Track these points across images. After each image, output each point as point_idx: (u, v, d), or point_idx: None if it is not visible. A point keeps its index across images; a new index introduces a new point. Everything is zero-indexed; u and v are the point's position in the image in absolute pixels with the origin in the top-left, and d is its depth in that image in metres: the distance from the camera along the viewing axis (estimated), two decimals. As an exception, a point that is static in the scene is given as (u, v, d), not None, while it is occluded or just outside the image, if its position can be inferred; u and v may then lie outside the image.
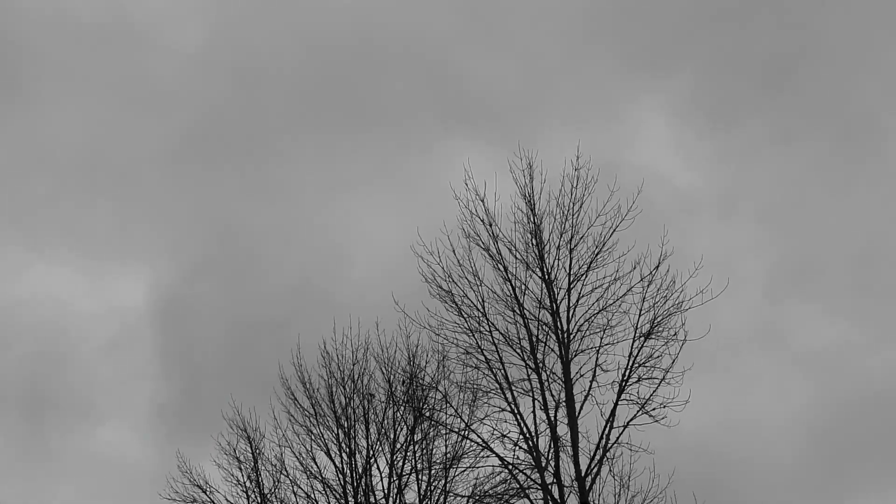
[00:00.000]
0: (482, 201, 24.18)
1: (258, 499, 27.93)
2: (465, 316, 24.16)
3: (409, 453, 27.00)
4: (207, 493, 28.20)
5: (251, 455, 28.23)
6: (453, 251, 23.93)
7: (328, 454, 27.73)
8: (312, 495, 27.71)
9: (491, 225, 24.14)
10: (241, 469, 28.24)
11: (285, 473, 28.11)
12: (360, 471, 27.35)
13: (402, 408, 27.10)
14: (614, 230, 23.49)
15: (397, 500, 26.85)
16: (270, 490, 28.05)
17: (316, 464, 27.69)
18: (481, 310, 23.82)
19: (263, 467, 28.16)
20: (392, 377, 27.42)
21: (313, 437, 27.93)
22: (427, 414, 26.18)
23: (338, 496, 27.42)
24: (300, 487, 27.93)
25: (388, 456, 27.15)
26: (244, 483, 28.14)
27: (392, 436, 27.22)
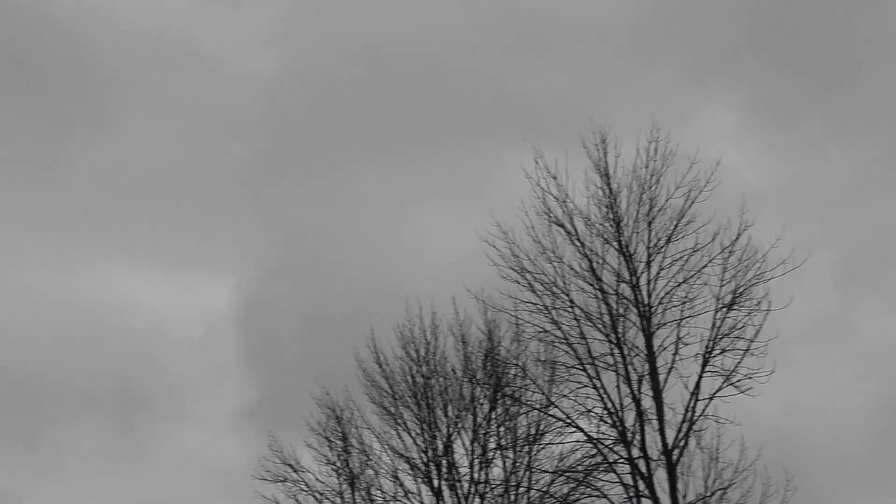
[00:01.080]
0: (554, 178, 23.99)
1: (349, 478, 28.19)
2: (541, 294, 24.05)
3: (490, 430, 27.06)
4: (298, 472, 28.57)
5: (341, 434, 28.49)
6: (532, 228, 23.78)
7: (410, 434, 27.88)
8: (397, 474, 27.93)
9: (565, 201, 23.96)
10: (330, 448, 28.53)
11: (367, 454, 28.33)
12: (442, 449, 27.47)
13: (481, 384, 27.14)
14: (693, 202, 23.25)
15: (481, 477, 26.93)
16: (358, 470, 28.31)
17: (403, 442, 27.89)
18: (561, 287, 23.69)
19: (352, 447, 28.46)
20: (467, 354, 27.49)
21: (393, 418, 28.14)
22: (508, 391, 26.16)
23: (422, 474, 27.58)
24: (383, 468, 28.15)
25: (470, 433, 27.22)
26: (335, 462, 28.41)
27: (473, 412, 27.28)
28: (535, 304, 24.04)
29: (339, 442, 28.49)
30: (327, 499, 28.52)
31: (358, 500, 28.23)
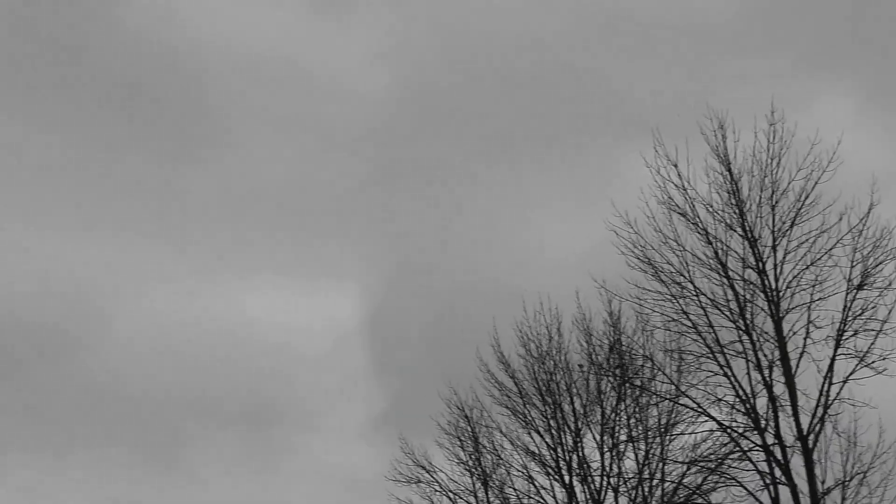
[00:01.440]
0: (675, 166, 23.87)
1: (482, 477, 28.37)
2: (668, 282, 23.93)
3: (619, 422, 26.95)
4: (431, 472, 28.87)
5: (471, 434, 28.69)
6: (653, 218, 23.72)
7: (538, 432, 27.91)
8: (528, 472, 28.00)
9: (686, 189, 23.83)
10: (462, 448, 28.77)
11: (498, 453, 28.46)
12: (571, 444, 27.44)
13: (607, 376, 27.06)
14: (816, 183, 22.91)
15: (612, 470, 26.83)
16: (490, 469, 28.49)
17: (533, 440, 27.95)
18: (686, 275, 23.55)
19: (483, 446, 28.64)
20: (592, 347, 27.42)
21: (519, 417, 28.21)
22: (637, 383, 26.07)
23: (552, 471, 27.59)
24: (514, 466, 28.25)
25: (599, 426, 27.15)
26: (466, 461, 28.63)
27: (601, 405, 27.21)
28: (661, 293, 23.92)
29: (469, 441, 28.69)
30: (461, 498, 28.78)
31: (492, 499, 28.40)
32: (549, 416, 27.76)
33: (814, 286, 22.89)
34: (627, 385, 26.58)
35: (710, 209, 23.64)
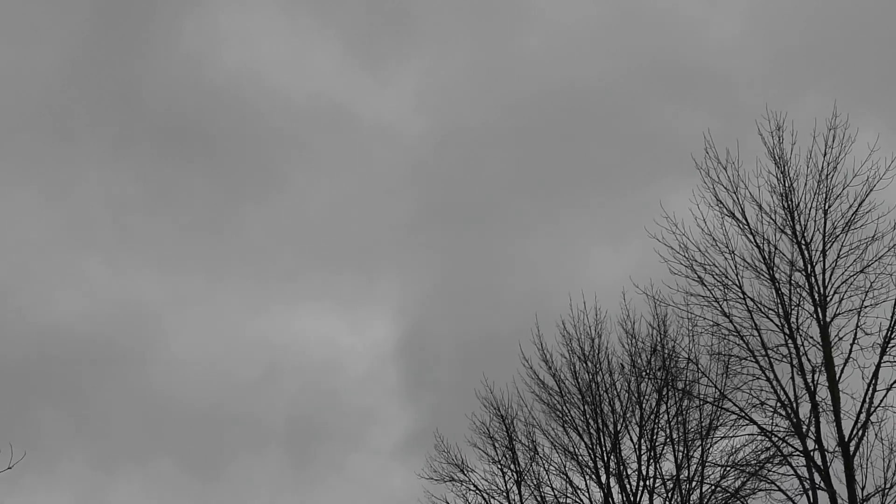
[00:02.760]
0: (724, 168, 23.93)
1: (515, 476, 28.31)
2: (714, 285, 23.95)
3: (659, 424, 26.82)
4: (465, 471, 28.85)
5: (506, 433, 28.64)
6: (703, 220, 23.78)
7: (577, 431, 27.82)
8: (565, 472, 27.90)
9: (736, 191, 23.86)
10: (495, 448, 28.73)
11: (537, 451, 28.38)
12: (610, 446, 27.32)
13: (649, 379, 26.99)
14: (872, 189, 22.87)
15: (650, 472, 26.70)
16: (524, 468, 28.40)
17: (571, 439, 27.86)
18: (733, 278, 23.57)
19: (517, 444, 28.61)
20: (635, 349, 27.36)
21: (558, 416, 28.14)
22: (680, 386, 26.02)
23: (590, 471, 27.48)
24: (552, 465, 28.17)
25: (639, 428, 27.03)
26: (499, 461, 28.59)
27: (640, 407, 27.10)
28: (704, 297, 23.94)
29: (503, 440, 28.66)
30: (494, 498, 28.75)
31: (526, 498, 28.33)
32: (588, 416, 27.65)
33: (865, 293, 22.82)
34: (670, 388, 26.52)
35: (762, 211, 23.63)
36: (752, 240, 23.72)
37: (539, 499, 28.22)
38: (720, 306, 23.99)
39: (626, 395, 27.42)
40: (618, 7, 54.50)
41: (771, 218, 23.42)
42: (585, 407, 27.74)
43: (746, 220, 23.71)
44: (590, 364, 28.06)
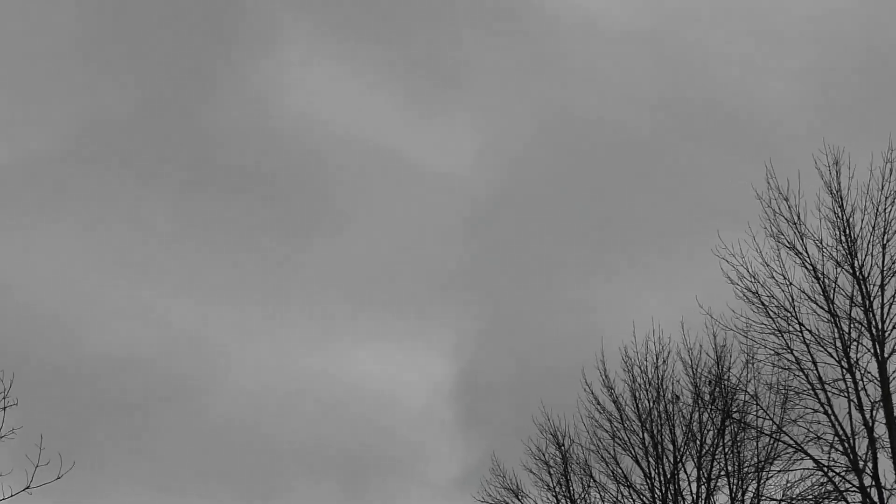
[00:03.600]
0: (786, 200, 23.82)
1: (569, 503, 28.27)
2: (773, 316, 23.85)
3: (717, 456, 26.66)
4: (519, 497, 28.93)
5: (561, 460, 28.69)
6: (759, 252, 23.72)
7: (635, 460, 27.78)
8: (620, 500, 27.84)
9: (797, 224, 23.74)
10: (550, 474, 28.77)
11: (593, 478, 28.37)
12: (668, 475, 27.23)
13: (710, 410, 26.84)
14: (930, 223, 22.62)
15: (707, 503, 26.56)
16: (580, 495, 28.38)
17: (621, 468, 27.85)
18: (791, 310, 23.45)
19: (572, 471, 28.61)
20: (698, 379, 27.26)
21: (618, 442, 28.11)
22: (736, 417, 25.87)
23: (646, 500, 27.39)
24: (608, 492, 28.12)
25: (696, 459, 26.90)
26: (554, 488, 28.62)
27: (700, 439, 26.97)
28: (766, 324, 23.84)
29: (559, 466, 28.72)
30: (547, 525, 28.77)
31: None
32: (647, 444, 27.60)
33: (924, 329, 22.56)
34: (730, 421, 26.37)
35: (820, 245, 23.47)
36: (812, 272, 23.56)
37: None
38: (783, 338, 23.86)
39: (687, 425, 27.33)
40: (666, 58, 55.93)
41: (829, 252, 23.25)
42: (644, 434, 27.72)
43: (807, 251, 23.56)
44: (651, 391, 28.06)
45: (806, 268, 23.52)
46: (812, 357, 23.49)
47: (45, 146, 54.77)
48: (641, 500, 27.54)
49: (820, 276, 23.42)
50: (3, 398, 14.62)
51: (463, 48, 58.13)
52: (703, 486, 26.68)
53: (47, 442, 14.60)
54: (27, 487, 14.45)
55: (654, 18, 57.95)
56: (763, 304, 23.86)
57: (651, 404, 27.77)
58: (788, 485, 25.38)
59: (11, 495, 14.43)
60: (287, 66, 57.74)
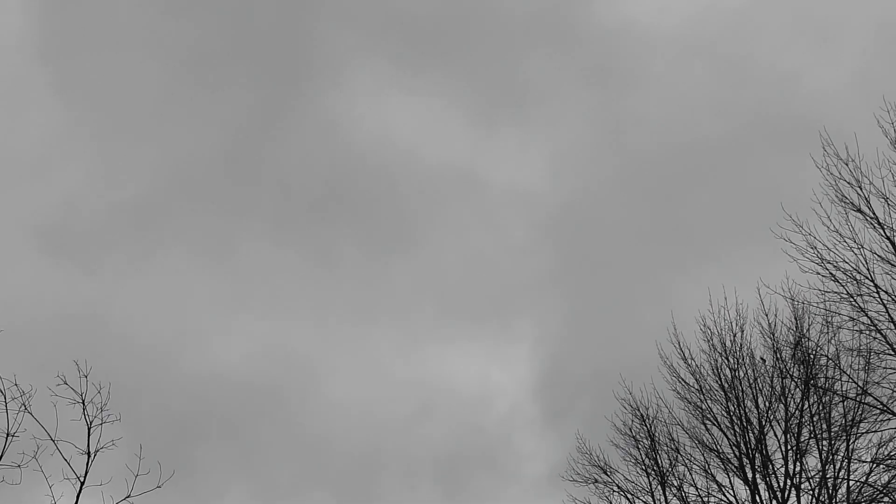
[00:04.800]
0: (846, 164, 23.28)
1: (659, 477, 28.26)
2: (843, 282, 23.39)
3: (804, 420, 26.35)
4: (608, 472, 28.99)
5: (647, 434, 28.66)
6: (829, 218, 23.24)
7: (720, 428, 27.57)
8: (709, 469, 27.70)
9: (860, 185, 23.19)
10: (638, 448, 28.77)
11: (679, 451, 28.24)
12: (754, 442, 27.00)
13: (790, 377, 26.52)
14: None
15: (796, 468, 26.29)
16: (667, 468, 28.30)
17: (712, 436, 27.67)
18: (865, 273, 22.98)
19: (659, 445, 28.54)
20: (776, 345, 26.94)
21: (702, 412, 27.92)
22: (819, 383, 25.53)
23: (734, 468, 27.22)
24: (696, 463, 27.98)
25: (783, 424, 26.61)
26: (643, 461, 28.64)
27: (784, 403, 26.68)
28: (837, 293, 23.44)
29: (645, 441, 28.67)
30: (639, 499, 28.78)
31: (669, 498, 28.26)
32: (731, 413, 27.39)
33: None
34: (811, 385, 26.04)
35: (890, 202, 22.94)
36: (882, 232, 23.04)
37: (682, 499, 28.12)
38: (856, 302, 23.44)
39: (770, 390, 27.07)
40: (722, 68, 58.01)
41: (898, 208, 22.68)
42: (728, 403, 27.50)
43: (874, 213, 23.04)
44: (731, 359, 27.81)
45: (875, 228, 23.01)
46: (890, 316, 23.02)
47: (138, 189, 59.34)
48: (730, 467, 27.36)
49: (891, 234, 22.90)
50: (102, 410, 15.24)
51: (522, 66, 61.53)
52: (791, 451, 26.44)
53: (148, 454, 15.19)
54: (127, 496, 15.02)
55: (703, 25, 60.10)
56: (836, 268, 23.42)
57: (732, 372, 27.52)
58: (881, 442, 25.06)
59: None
60: (357, 97, 61.93)
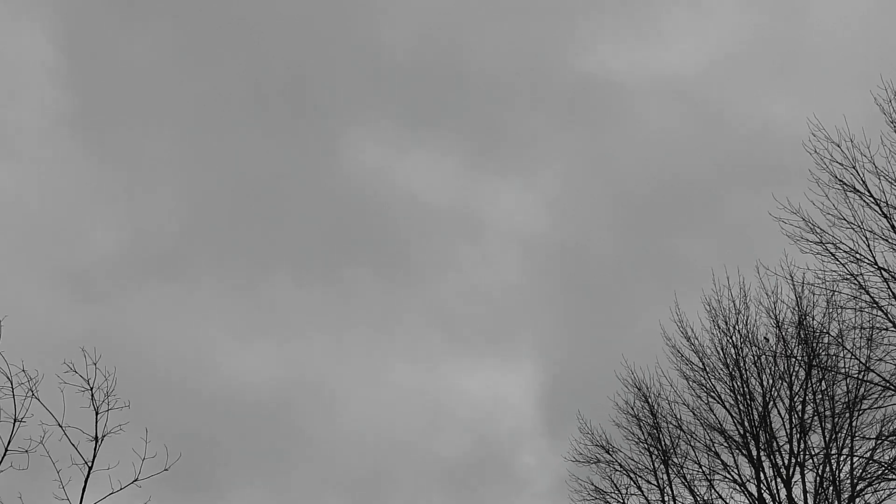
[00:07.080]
0: (838, 146, 23.33)
1: (661, 455, 28.42)
2: (844, 261, 23.52)
3: (807, 398, 26.48)
4: (610, 452, 29.22)
5: (650, 412, 28.83)
6: (826, 196, 23.33)
7: (724, 406, 27.70)
8: (712, 447, 27.84)
9: (854, 165, 23.26)
10: (640, 427, 28.95)
11: (682, 429, 28.35)
12: (758, 420, 27.13)
13: (795, 357, 26.62)
14: None
15: (801, 446, 26.42)
16: (669, 447, 28.46)
17: (715, 414, 27.85)
18: (864, 250, 23.07)
19: (662, 423, 28.69)
20: (779, 323, 27.05)
21: (707, 391, 28.06)
22: (821, 360, 25.66)
23: (738, 446, 27.35)
24: (698, 441, 28.10)
25: (787, 402, 26.75)
26: (645, 440, 28.83)
27: (788, 381, 26.81)
28: (836, 272, 23.55)
29: (648, 420, 28.85)
30: (641, 477, 28.94)
31: (672, 477, 28.39)
32: (736, 391, 27.53)
33: None
34: (814, 365, 26.17)
35: (888, 179, 23.01)
36: (879, 210, 23.14)
37: (685, 477, 28.26)
38: (856, 280, 23.54)
39: (772, 368, 27.19)
40: (700, 112, 61.59)
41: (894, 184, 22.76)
42: (733, 382, 27.63)
43: (870, 191, 23.14)
44: (735, 337, 27.93)
45: (871, 206, 23.09)
46: (892, 292, 23.14)
47: (167, 232, 62.48)
48: (734, 444, 27.44)
49: (888, 211, 22.98)
50: (108, 395, 15.57)
51: (507, 116, 65.90)
52: (795, 429, 26.58)
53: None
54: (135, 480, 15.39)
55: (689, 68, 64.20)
56: (836, 249, 23.51)
57: (736, 350, 27.65)
58: (885, 419, 25.19)
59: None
60: (364, 150, 65.37)
